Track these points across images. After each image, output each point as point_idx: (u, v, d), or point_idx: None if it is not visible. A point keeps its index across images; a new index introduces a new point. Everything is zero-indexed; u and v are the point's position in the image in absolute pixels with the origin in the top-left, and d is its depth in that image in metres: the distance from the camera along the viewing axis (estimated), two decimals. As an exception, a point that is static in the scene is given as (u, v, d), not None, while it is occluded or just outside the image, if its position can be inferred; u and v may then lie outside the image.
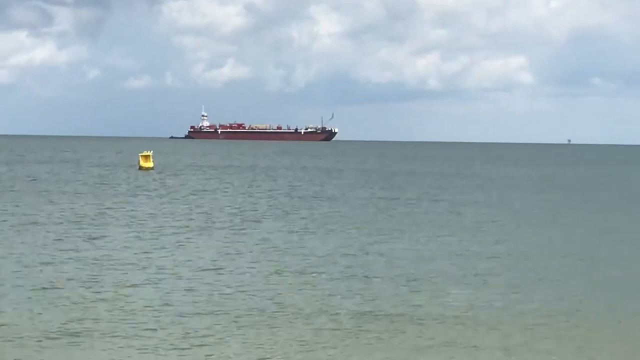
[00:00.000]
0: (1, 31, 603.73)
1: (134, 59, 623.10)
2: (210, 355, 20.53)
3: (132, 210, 53.78)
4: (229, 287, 28.71)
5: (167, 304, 25.87)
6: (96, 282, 29.16)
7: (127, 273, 30.95)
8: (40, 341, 21.27)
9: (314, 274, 31.47)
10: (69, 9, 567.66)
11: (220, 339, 21.97)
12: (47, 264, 32.56)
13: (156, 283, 29.27)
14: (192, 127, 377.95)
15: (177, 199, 63.61)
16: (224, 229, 44.89)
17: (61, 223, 45.84)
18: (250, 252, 36.94)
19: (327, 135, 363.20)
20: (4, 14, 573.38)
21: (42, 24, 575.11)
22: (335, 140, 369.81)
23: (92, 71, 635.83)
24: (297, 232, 44.23)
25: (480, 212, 56.82)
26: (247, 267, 32.82)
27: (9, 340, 21.20)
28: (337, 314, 24.95)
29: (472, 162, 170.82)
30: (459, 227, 47.42)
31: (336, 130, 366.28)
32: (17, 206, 55.06)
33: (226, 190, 74.90)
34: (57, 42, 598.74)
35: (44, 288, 27.79)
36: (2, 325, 22.73)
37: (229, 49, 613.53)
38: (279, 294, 27.78)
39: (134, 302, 26.07)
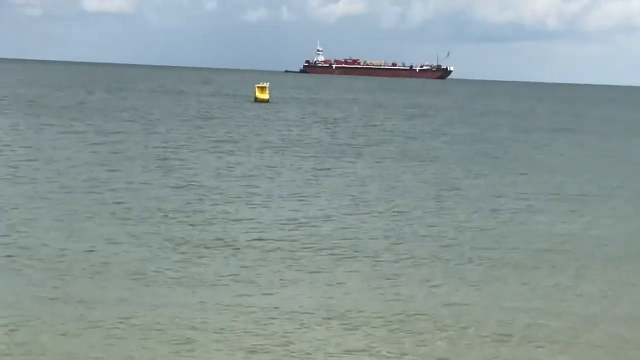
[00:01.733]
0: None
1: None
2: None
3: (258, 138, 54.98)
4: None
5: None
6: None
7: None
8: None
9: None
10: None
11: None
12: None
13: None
14: (307, 62, 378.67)
15: (295, 129, 64.58)
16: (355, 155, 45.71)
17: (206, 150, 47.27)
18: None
19: (442, 73, 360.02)
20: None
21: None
22: (450, 79, 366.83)
23: (210, 3, 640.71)
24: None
25: None
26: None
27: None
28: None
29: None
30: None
31: (451, 69, 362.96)
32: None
33: (346, 120, 75.62)
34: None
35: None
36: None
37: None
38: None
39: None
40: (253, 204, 30.24)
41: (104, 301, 17.98)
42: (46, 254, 21.60)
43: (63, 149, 44.26)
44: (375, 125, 73.68)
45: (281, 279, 20.44)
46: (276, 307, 18.09)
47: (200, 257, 22.16)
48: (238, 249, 23.21)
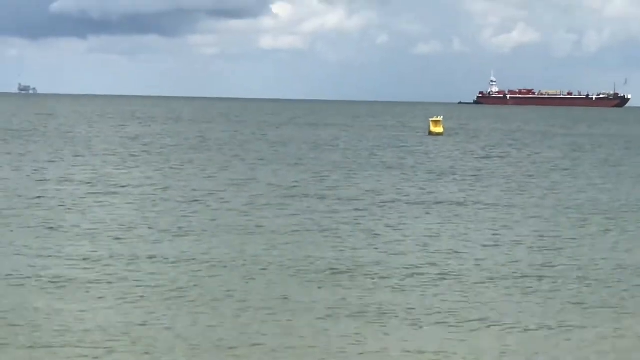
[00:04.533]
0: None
1: (422, 24, 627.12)
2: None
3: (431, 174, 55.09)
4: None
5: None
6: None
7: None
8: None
9: None
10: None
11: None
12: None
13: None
14: (480, 93, 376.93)
15: (472, 162, 64.30)
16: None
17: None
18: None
19: (620, 101, 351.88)
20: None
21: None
22: (628, 107, 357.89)
23: (381, 36, 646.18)
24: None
25: None
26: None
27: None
28: None
29: None
30: None
31: (629, 97, 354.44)
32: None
33: (522, 151, 74.84)
34: (347, 8, 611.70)
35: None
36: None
37: (518, 13, 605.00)
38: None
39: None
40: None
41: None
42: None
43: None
44: (560, 158, 72.60)
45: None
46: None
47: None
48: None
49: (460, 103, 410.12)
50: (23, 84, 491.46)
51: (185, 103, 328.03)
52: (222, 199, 39.94)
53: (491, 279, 24.55)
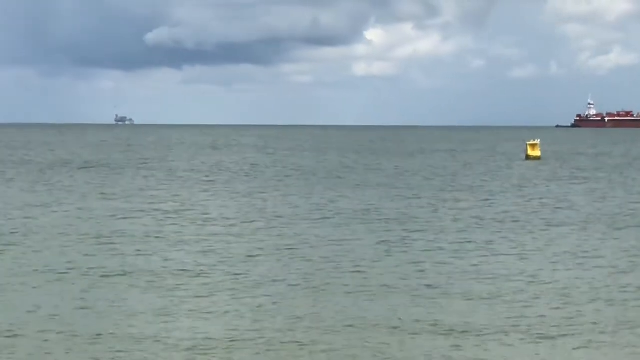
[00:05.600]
0: (387, 24, 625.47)
1: (518, 49, 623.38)
2: None
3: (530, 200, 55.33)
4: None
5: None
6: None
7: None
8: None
9: None
10: (454, 1, 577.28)
11: None
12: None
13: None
14: (578, 116, 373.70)
15: (568, 187, 64.20)
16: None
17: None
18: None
19: None
20: (390, 8, 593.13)
21: (426, 16, 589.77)
22: None
23: (476, 61, 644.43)
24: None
25: None
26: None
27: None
28: None
29: None
30: None
31: None
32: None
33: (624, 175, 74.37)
34: (441, 34, 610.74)
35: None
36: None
37: (615, 35, 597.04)
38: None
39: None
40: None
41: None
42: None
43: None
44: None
45: None
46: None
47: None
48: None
49: (557, 127, 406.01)
50: (120, 115, 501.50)
51: (298, 131, 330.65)
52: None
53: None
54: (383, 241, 35.44)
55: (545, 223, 41.85)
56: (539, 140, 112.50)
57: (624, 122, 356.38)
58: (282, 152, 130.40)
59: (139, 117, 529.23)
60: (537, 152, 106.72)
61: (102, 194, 55.93)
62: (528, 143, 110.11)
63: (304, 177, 73.83)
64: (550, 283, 27.22)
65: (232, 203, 51.11)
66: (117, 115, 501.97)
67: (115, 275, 27.99)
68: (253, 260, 31.06)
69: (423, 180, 70.25)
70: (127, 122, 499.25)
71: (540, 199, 54.17)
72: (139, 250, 32.84)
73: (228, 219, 42.96)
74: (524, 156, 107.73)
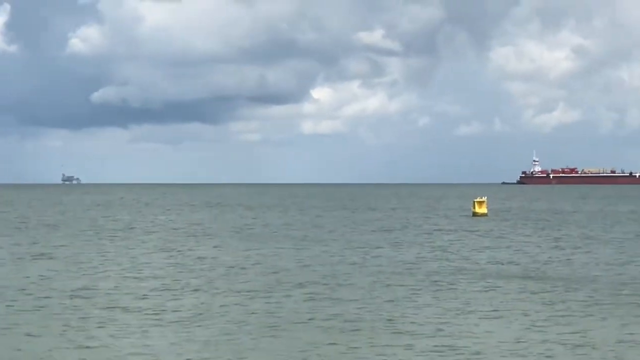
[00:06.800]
0: (334, 82, 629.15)
1: (464, 106, 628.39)
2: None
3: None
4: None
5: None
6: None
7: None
8: None
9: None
10: (399, 59, 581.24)
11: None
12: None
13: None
14: (523, 173, 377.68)
15: (511, 245, 64.47)
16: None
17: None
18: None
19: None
20: (337, 67, 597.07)
21: (373, 74, 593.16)
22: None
23: (422, 119, 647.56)
24: None
25: None
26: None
27: None
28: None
29: None
30: None
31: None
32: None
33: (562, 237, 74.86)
34: (388, 92, 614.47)
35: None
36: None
37: (558, 93, 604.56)
38: None
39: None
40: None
41: None
42: None
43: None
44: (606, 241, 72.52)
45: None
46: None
47: None
48: None
49: (503, 183, 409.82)
50: (67, 174, 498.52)
51: (245, 189, 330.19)
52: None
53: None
54: (309, 299, 35.34)
55: (471, 278, 41.87)
56: (485, 197, 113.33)
57: (568, 178, 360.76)
58: (217, 209, 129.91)
59: (86, 176, 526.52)
60: (484, 209, 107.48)
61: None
62: (475, 200, 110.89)
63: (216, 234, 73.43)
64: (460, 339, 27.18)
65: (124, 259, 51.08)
66: (64, 175, 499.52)
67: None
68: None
69: (358, 234, 70.30)
70: (74, 182, 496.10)
71: (477, 253, 54.32)
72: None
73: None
74: (471, 213, 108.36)
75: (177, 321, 30.30)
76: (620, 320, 30.63)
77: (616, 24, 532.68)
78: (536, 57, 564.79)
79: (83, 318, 30.98)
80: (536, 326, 29.49)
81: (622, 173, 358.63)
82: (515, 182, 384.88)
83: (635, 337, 27.61)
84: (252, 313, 32.12)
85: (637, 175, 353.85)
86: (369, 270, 46.25)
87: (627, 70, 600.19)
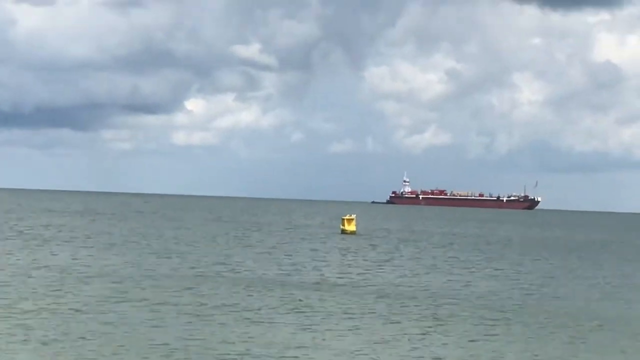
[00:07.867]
0: (208, 94, 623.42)
1: (336, 123, 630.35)
2: None
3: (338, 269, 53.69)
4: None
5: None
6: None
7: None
8: None
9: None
10: (275, 74, 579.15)
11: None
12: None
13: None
14: (393, 193, 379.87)
15: (377, 262, 63.16)
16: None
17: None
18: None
19: (530, 204, 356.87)
20: (211, 79, 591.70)
21: (247, 87, 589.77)
22: (538, 209, 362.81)
23: (295, 134, 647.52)
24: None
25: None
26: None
27: None
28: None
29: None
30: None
31: (539, 199, 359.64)
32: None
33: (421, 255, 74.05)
34: (262, 106, 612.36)
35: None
36: None
37: (430, 115, 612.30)
38: None
39: None
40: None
41: None
42: None
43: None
44: (462, 260, 71.87)
45: None
46: None
47: None
48: None
49: (373, 202, 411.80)
50: None
51: (99, 198, 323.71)
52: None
53: None
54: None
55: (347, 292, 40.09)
56: (355, 215, 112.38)
57: (437, 200, 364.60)
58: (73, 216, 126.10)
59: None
60: (352, 227, 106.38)
61: None
62: (344, 218, 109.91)
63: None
64: None
65: None
66: None
67: None
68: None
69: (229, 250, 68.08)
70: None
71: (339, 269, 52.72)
72: None
73: None
74: (339, 230, 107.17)
75: None
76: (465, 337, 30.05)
77: (488, 49, 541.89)
78: (410, 79, 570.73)
79: None
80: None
81: (490, 197, 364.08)
82: (385, 201, 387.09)
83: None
84: None
85: (504, 199, 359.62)
86: (229, 279, 43.85)
87: (497, 95, 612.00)
